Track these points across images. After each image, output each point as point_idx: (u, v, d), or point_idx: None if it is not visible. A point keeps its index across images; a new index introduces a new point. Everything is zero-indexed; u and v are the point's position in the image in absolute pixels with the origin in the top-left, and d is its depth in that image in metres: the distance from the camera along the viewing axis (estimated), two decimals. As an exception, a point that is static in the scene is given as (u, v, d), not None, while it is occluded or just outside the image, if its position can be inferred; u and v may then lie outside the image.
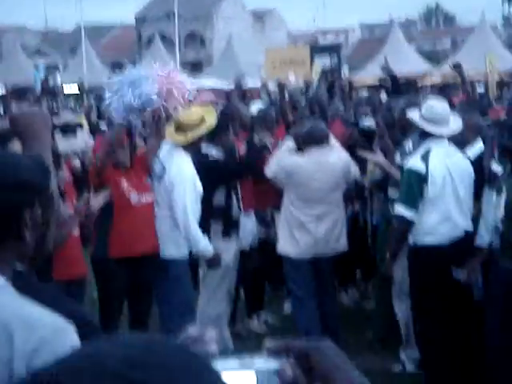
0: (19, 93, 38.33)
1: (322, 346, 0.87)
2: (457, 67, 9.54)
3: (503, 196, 4.93)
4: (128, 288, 5.54)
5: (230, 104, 8.68)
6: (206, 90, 22.66)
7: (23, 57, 53.35)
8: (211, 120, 6.07)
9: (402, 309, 6.10)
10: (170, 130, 5.79)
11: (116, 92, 5.33)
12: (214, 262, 5.94)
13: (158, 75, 5.37)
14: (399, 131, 6.39)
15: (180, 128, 5.83)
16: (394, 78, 9.98)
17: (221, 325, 6.15)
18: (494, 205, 5.04)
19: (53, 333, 1.62)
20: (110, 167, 5.44)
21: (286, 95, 8.12)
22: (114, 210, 5.40)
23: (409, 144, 5.93)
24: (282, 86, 8.18)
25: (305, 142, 6.14)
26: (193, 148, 5.90)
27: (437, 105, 5.58)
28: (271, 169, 6.19)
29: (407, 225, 5.37)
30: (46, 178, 1.85)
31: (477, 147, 5.78)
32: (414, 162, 5.38)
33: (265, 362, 0.86)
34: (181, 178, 5.71)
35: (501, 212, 4.93)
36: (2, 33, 65.93)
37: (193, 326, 0.90)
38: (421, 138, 5.53)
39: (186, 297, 5.74)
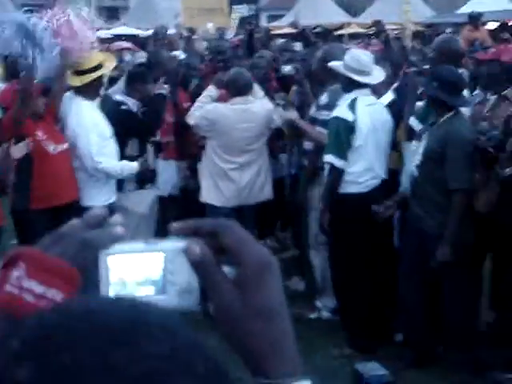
0: None
1: (228, 224, 0.86)
2: (377, 23, 9.70)
3: (422, 143, 5.04)
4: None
5: (151, 53, 8.59)
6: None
7: None
8: (109, 66, 6.17)
9: (317, 258, 6.21)
10: (68, 74, 5.81)
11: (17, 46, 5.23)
12: (145, 175, 6.10)
13: (50, 22, 5.30)
14: (316, 82, 6.42)
15: (77, 72, 5.80)
16: (304, 33, 10.13)
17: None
18: (412, 152, 5.15)
19: None
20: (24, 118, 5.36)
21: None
22: (32, 161, 5.36)
23: (324, 96, 5.96)
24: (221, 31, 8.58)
25: (229, 91, 6.12)
26: (90, 92, 5.84)
27: (361, 54, 5.62)
28: (193, 116, 6.16)
29: (339, 173, 5.43)
30: None
31: (387, 98, 5.85)
32: (342, 111, 5.42)
33: (172, 243, 0.84)
34: (80, 125, 5.72)
35: (417, 159, 5.04)
36: None
37: (99, 208, 0.87)
38: (344, 88, 5.55)
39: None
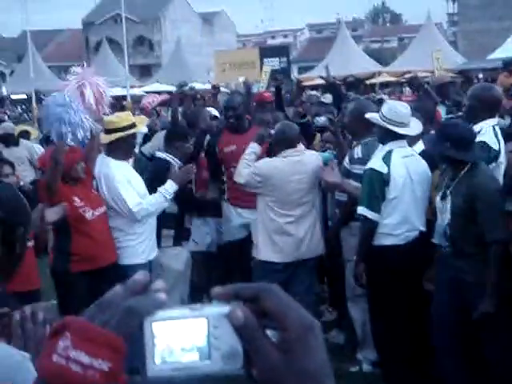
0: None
1: (270, 288, 0.87)
2: (414, 80, 9.74)
3: (448, 201, 4.99)
4: (88, 298, 5.49)
5: (190, 112, 8.73)
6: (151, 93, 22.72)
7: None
8: (141, 126, 6.39)
9: (356, 310, 6.14)
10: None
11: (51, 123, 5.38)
12: (180, 233, 6.23)
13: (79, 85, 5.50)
14: (350, 134, 6.42)
15: (108, 130, 5.88)
16: (334, 85, 10.24)
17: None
18: (440, 210, 5.10)
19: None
20: (60, 183, 5.43)
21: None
22: (69, 225, 5.46)
23: (357, 149, 5.96)
24: (248, 86, 8.57)
25: (278, 144, 6.10)
26: (121, 151, 5.87)
27: (399, 106, 5.62)
28: (243, 174, 6.13)
29: (372, 226, 5.41)
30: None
31: (418, 148, 5.82)
32: (376, 163, 5.38)
33: (215, 308, 0.85)
34: (113, 185, 5.74)
35: (447, 217, 5.00)
36: None
37: (141, 273, 0.88)
38: (380, 140, 5.55)
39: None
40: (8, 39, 66.54)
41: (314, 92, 16.55)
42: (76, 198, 5.51)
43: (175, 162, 6.35)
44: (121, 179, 5.75)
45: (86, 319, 0.83)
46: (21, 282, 4.86)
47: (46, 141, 9.73)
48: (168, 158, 6.38)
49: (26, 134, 11.27)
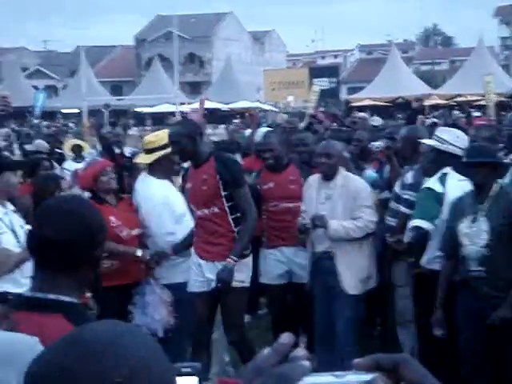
0: (18, 114, 38.29)
1: (408, 358, 0.96)
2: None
3: (482, 224, 4.91)
4: (120, 313, 5.51)
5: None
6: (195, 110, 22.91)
7: (23, 78, 53.70)
8: None
9: (406, 335, 6.07)
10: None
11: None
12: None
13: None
14: (402, 159, 6.39)
15: (146, 150, 5.92)
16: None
17: (220, 349, 6.13)
18: (469, 236, 5.00)
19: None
20: (98, 204, 5.48)
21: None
22: None
23: (409, 175, 5.89)
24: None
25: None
26: (161, 170, 5.85)
27: (457, 131, 5.68)
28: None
29: (425, 237, 5.33)
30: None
31: None
32: (432, 183, 5.37)
33: (356, 376, 0.93)
34: (151, 205, 5.74)
35: (484, 238, 4.90)
36: (2, 54, 66.24)
37: (286, 337, 1.00)
38: (436, 164, 5.49)
39: (181, 321, 5.66)
40: (62, 54, 67.69)
41: (362, 114, 16.50)
42: (113, 218, 5.56)
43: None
44: (158, 202, 5.72)
45: (243, 382, 0.96)
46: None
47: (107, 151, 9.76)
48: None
49: (78, 149, 11.39)
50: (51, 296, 2.13)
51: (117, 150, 9.98)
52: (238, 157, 8.22)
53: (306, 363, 0.95)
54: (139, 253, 5.58)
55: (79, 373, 0.98)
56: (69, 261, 2.18)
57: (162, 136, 5.92)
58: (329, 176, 5.84)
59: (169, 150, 5.77)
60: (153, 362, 1.02)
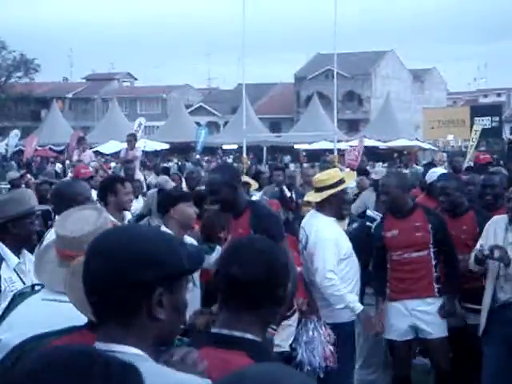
0: (182, 149, 39.67)
1: None
2: None
3: None
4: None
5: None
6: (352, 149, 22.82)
7: (186, 114, 55.68)
8: (349, 182, 6.46)
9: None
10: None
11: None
12: (367, 323, 5.80)
13: None
14: None
15: (317, 188, 5.92)
16: None
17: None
18: None
19: None
20: None
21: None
22: None
23: None
24: None
25: None
26: (329, 208, 5.85)
27: None
28: None
29: None
30: (176, 258, 1.80)
31: None
32: None
33: None
34: (319, 241, 5.73)
35: None
36: (168, 91, 69.05)
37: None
38: None
39: (341, 360, 5.63)
40: (224, 92, 69.73)
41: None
42: None
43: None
44: (327, 238, 5.73)
45: None
46: None
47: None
48: (374, 216, 6.35)
49: (246, 185, 11.58)
50: (236, 333, 2.21)
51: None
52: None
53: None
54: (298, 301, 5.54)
55: None
56: (254, 299, 2.25)
57: (332, 174, 5.98)
58: None
59: (339, 188, 5.83)
60: None
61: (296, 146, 42.70)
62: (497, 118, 46.31)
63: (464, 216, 6.09)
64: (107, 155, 32.55)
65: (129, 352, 1.68)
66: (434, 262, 5.84)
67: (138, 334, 1.72)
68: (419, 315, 5.84)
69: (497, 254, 5.27)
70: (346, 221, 6.65)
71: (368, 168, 16.75)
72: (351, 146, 25.96)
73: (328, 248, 5.67)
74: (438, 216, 6.03)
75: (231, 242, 2.49)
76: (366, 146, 40.21)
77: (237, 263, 2.25)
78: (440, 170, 8.16)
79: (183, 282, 1.83)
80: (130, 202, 5.83)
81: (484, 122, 41.98)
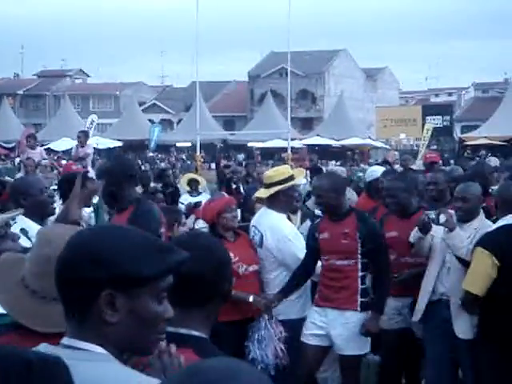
0: (135, 146, 39.47)
1: None
2: None
3: None
4: (236, 348, 5.54)
5: None
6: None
7: (139, 112, 55.32)
8: (299, 179, 6.40)
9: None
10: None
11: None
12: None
13: None
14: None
15: (266, 185, 5.94)
16: None
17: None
18: None
19: None
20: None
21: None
22: None
23: None
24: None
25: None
26: (280, 204, 5.86)
27: None
28: None
29: None
30: (134, 262, 1.71)
31: None
32: None
33: None
34: (281, 237, 5.75)
35: None
36: (121, 88, 68.54)
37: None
38: None
39: (292, 358, 5.64)
40: (178, 89, 69.45)
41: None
42: (231, 254, 5.58)
43: None
44: (290, 231, 5.79)
45: None
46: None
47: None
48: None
49: (194, 183, 11.63)
50: (182, 330, 2.19)
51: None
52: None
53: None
54: (251, 299, 5.54)
55: None
56: (199, 296, 2.25)
57: (281, 171, 6.00)
58: (465, 220, 5.39)
59: (287, 184, 5.84)
60: None
61: (250, 144, 42.73)
62: (448, 118, 46.98)
63: (414, 216, 5.83)
64: (59, 153, 32.17)
65: (91, 350, 1.68)
66: (360, 274, 5.46)
67: (94, 334, 1.70)
68: (335, 327, 5.50)
69: (442, 218, 5.20)
70: (299, 216, 6.66)
71: (321, 166, 16.89)
72: (305, 145, 26.08)
73: (295, 240, 5.74)
74: (371, 224, 5.57)
75: (175, 239, 2.48)
76: (319, 145, 40.48)
77: None
78: (380, 169, 8.16)
79: (148, 288, 1.72)
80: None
81: (435, 121, 42.56)
